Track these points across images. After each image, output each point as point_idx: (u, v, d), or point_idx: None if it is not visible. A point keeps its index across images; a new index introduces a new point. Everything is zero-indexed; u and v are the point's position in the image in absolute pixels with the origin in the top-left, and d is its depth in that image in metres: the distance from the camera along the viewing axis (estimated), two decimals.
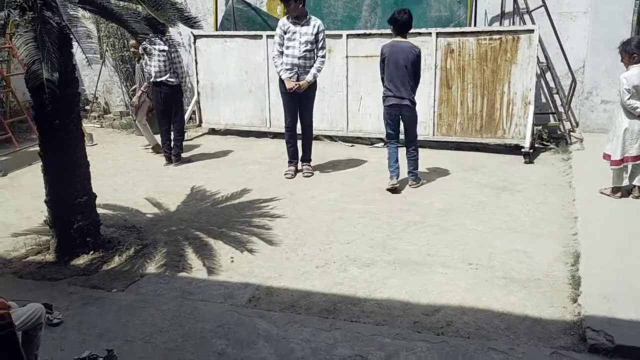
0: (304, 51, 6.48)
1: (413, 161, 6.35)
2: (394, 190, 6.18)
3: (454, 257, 4.63)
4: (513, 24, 7.86)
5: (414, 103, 6.15)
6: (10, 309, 2.85)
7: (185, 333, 3.69)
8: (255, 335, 3.63)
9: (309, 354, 3.43)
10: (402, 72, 6.02)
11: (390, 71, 6.07)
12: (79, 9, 4.44)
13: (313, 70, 6.55)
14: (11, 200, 6.45)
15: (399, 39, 6.12)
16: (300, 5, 6.42)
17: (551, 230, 5.09)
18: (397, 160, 6.25)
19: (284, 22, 6.59)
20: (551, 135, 7.92)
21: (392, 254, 4.75)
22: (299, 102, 6.70)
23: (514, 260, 4.53)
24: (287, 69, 6.55)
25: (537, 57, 7.28)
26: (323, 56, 6.61)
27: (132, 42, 8.13)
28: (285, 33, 6.51)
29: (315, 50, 6.56)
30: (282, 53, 6.57)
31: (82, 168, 4.80)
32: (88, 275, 4.55)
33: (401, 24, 6.08)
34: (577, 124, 8.05)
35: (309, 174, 6.91)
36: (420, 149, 7.78)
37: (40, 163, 4.76)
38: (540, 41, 7.30)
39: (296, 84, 6.52)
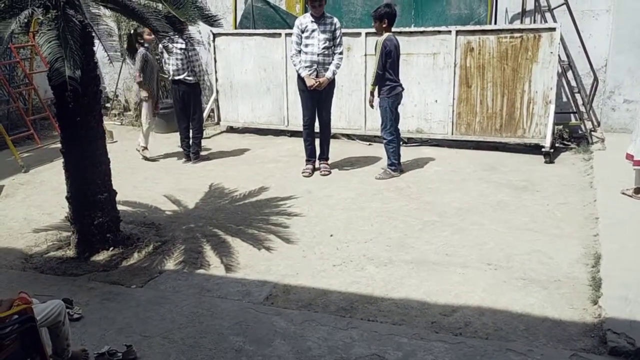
0: (323, 48, 6.50)
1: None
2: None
3: (472, 257, 4.60)
4: (534, 22, 7.78)
5: None
6: (32, 304, 2.90)
7: (203, 329, 3.71)
8: (272, 333, 3.64)
9: (325, 352, 3.43)
10: (397, 64, 6.52)
11: (394, 64, 6.45)
12: (101, 7, 4.49)
13: (332, 67, 6.57)
14: (33, 196, 6.55)
15: (390, 33, 6.44)
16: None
17: (572, 231, 5.03)
18: None
19: (301, 20, 6.62)
20: (572, 134, 7.82)
21: (410, 253, 4.73)
22: (317, 99, 6.71)
23: (534, 261, 4.48)
24: (306, 67, 6.56)
25: (559, 55, 7.19)
26: (340, 53, 6.63)
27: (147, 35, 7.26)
28: (302, 32, 6.53)
29: (333, 48, 6.58)
30: (300, 51, 6.59)
31: (102, 165, 4.85)
32: (108, 271, 4.60)
33: (394, 18, 6.45)
34: (599, 124, 7.93)
35: (327, 173, 6.90)
36: (438, 148, 7.84)
37: (62, 160, 4.83)
38: (561, 39, 7.20)
39: (317, 81, 6.52)
